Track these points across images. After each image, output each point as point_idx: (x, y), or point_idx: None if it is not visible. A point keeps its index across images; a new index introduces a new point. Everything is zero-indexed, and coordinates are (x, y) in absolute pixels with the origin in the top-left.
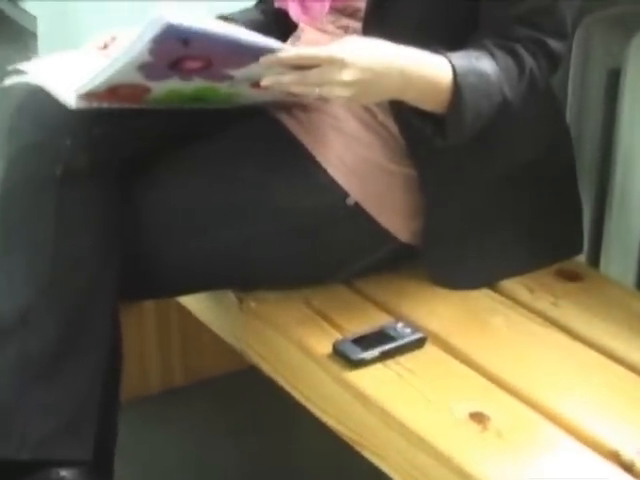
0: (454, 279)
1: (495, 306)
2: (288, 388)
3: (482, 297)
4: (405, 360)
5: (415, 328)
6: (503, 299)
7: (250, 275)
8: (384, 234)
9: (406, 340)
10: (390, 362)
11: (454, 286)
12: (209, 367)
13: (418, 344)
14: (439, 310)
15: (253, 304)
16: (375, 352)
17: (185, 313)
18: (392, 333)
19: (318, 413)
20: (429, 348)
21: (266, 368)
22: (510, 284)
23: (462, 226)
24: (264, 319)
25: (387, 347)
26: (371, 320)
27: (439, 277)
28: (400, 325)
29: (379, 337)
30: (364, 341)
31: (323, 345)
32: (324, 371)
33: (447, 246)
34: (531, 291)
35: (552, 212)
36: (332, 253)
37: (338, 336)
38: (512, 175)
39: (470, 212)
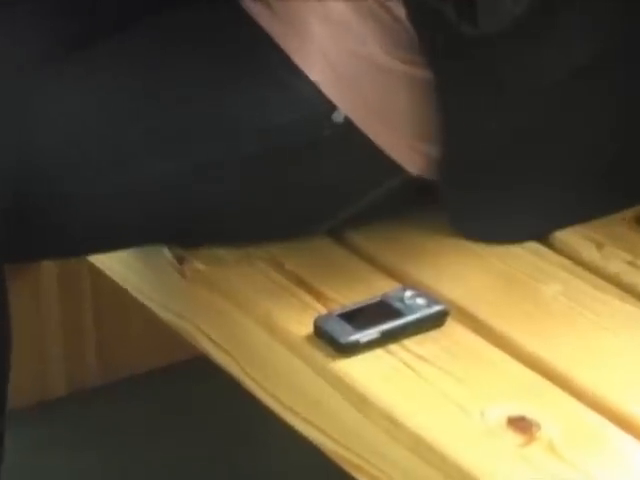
0: (487, 229)
1: (547, 268)
2: (251, 385)
3: (528, 256)
4: (417, 344)
5: (431, 298)
6: (559, 258)
7: (195, 224)
8: (385, 163)
9: (418, 315)
10: (395, 347)
11: (487, 239)
12: (137, 357)
13: (436, 321)
14: (465, 274)
15: (200, 267)
16: (373, 332)
17: (101, 280)
18: (398, 306)
19: (293, 420)
20: (451, 327)
21: (219, 357)
22: (568, 237)
23: (498, 153)
24: (216, 288)
25: (391, 325)
26: (368, 287)
27: (465, 227)
28: (409, 294)
29: (379, 311)
30: (358, 317)
31: (300, 323)
32: (301, 360)
33: (476, 182)
34: (599, 247)
35: (629, 137)
36: (313, 192)
37: (322, 310)
38: (571, 83)
39: (511, 134)
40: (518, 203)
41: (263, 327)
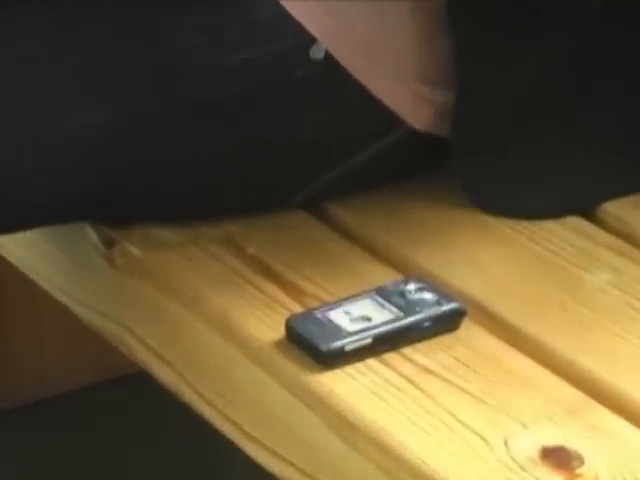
0: (513, 201)
1: (593, 251)
2: (203, 407)
3: (568, 235)
4: (422, 353)
5: (442, 293)
6: (609, 238)
7: (127, 194)
8: (379, 114)
9: (425, 315)
10: (393, 357)
11: (513, 214)
12: (51, 374)
13: (448, 323)
14: (486, 260)
15: (134, 251)
16: (364, 337)
17: (5, 271)
18: (397, 302)
19: (259, 452)
20: (468, 330)
21: (159, 371)
22: (621, 210)
23: (528, 100)
24: (155, 280)
25: (388, 328)
26: (357, 278)
27: (484, 198)
28: (413, 287)
29: (372, 310)
30: (344, 317)
31: (268, 326)
32: (269, 374)
33: (499, 138)
34: None
35: None
36: (282, 151)
37: (296, 308)
38: (610, 12)
39: (545, 78)
40: (553, 166)
41: (218, 331)
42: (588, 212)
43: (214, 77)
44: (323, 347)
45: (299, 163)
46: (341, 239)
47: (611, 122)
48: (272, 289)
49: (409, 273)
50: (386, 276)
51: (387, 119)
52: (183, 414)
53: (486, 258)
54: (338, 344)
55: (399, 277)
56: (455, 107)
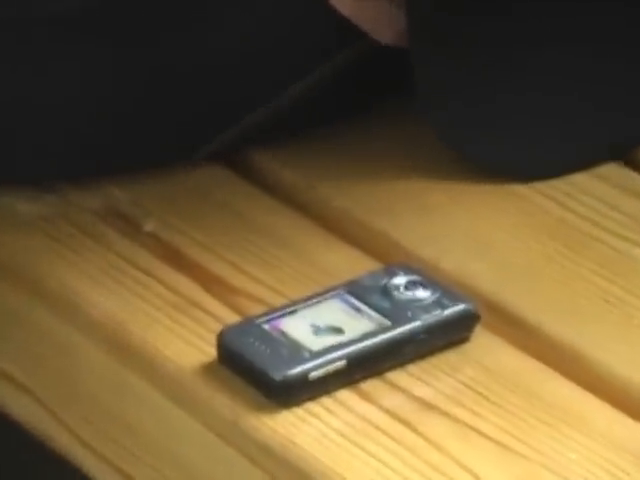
0: (515, 151)
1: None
2: (93, 466)
3: (605, 191)
4: (419, 379)
5: (444, 287)
6: None
7: None
8: (328, 20)
9: (421, 323)
10: (376, 386)
11: (518, 173)
12: None
13: (455, 332)
14: (495, 236)
15: None
16: (336, 358)
17: None
18: (380, 303)
19: None
20: (482, 341)
21: (19, 405)
22: None
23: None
24: (8, 275)
25: (367, 343)
26: (313, 264)
27: (474, 151)
28: (402, 279)
29: (344, 315)
30: (304, 327)
31: (187, 342)
32: (191, 413)
33: (486, 47)
34: None
35: None
36: (194, 70)
37: (230, 316)
38: None
39: None
40: (569, 97)
41: (107, 349)
42: (628, 158)
43: None
44: (276, 375)
45: (213, 94)
46: (280, 205)
47: None
48: (186, 284)
49: (388, 258)
50: (355, 262)
51: (337, 28)
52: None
53: (495, 232)
54: (298, 370)
55: (375, 264)
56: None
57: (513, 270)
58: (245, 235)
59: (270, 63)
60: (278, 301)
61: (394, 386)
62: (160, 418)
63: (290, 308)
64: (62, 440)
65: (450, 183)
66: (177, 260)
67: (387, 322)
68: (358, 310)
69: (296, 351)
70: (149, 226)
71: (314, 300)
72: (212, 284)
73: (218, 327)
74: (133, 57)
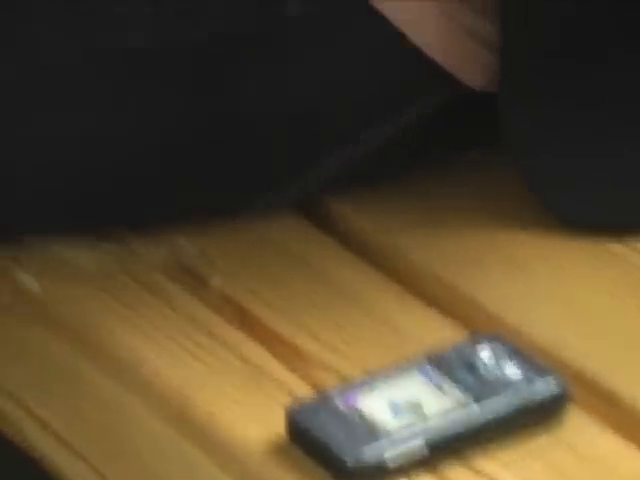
0: (621, 214)
1: None
2: None
3: None
4: (504, 463)
5: (532, 361)
6: None
7: (22, 194)
8: (413, 67)
9: (509, 401)
10: (458, 472)
11: (615, 224)
12: None
13: (544, 412)
14: (591, 301)
15: (31, 285)
16: (416, 441)
17: None
18: (464, 378)
19: None
20: (574, 421)
21: (68, 465)
22: None
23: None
24: (62, 331)
25: (450, 424)
26: (393, 330)
27: (565, 204)
28: (488, 353)
29: (424, 390)
30: (381, 404)
31: (254, 419)
32: None
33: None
34: None
35: None
36: (266, 121)
37: (300, 388)
38: None
39: None
40: None
41: (169, 422)
42: None
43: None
44: (349, 459)
45: (286, 141)
46: (356, 259)
47: None
48: (253, 349)
49: (469, 320)
50: (432, 323)
51: (423, 75)
52: None
53: (587, 293)
54: (374, 454)
55: (454, 327)
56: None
57: (608, 338)
58: (318, 293)
59: (349, 108)
60: (350, 369)
61: (477, 471)
62: None
63: (365, 382)
64: None
65: (538, 237)
66: (244, 321)
67: (470, 400)
68: (439, 386)
69: (372, 432)
70: (215, 281)
71: (392, 373)
72: (282, 349)
73: (288, 399)
74: (206, 103)
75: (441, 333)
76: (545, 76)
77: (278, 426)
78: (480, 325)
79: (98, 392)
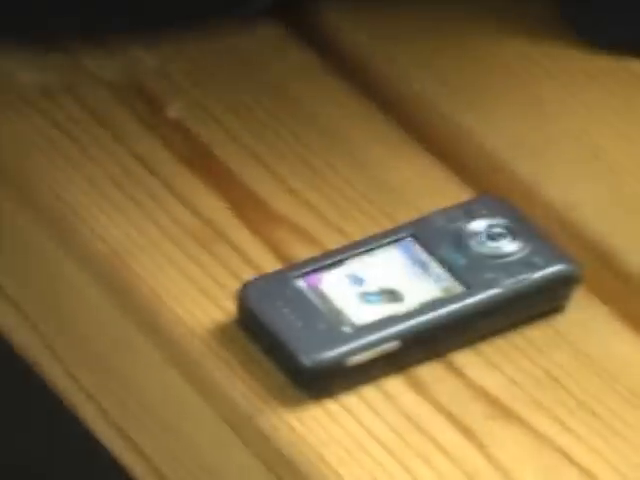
0: None
1: None
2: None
3: None
4: (494, 364)
5: (537, 234)
6: None
7: None
8: None
9: (504, 288)
10: (436, 371)
11: None
12: None
13: (549, 298)
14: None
15: None
16: (389, 337)
17: None
18: (453, 258)
19: None
20: (581, 312)
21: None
22: None
23: None
24: None
25: (431, 317)
26: (387, 183)
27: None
28: (484, 223)
29: (404, 273)
30: (349, 288)
31: (211, 298)
32: (200, 391)
33: None
34: None
35: None
36: None
37: (266, 257)
38: None
39: None
40: None
41: (106, 291)
42: None
43: None
44: (305, 358)
45: None
46: (346, 84)
47: None
48: (212, 203)
49: (473, 171)
50: (430, 172)
51: None
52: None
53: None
54: (335, 354)
55: (455, 178)
56: None
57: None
58: (298, 129)
59: None
60: (325, 235)
61: (459, 373)
62: (165, 386)
63: (335, 257)
64: (45, 362)
65: (558, 62)
66: (202, 162)
67: (461, 287)
68: (423, 266)
69: (336, 324)
70: (173, 108)
71: (368, 247)
72: (244, 203)
73: (245, 271)
74: None
75: (438, 185)
76: None
77: (229, 305)
78: (487, 180)
79: (42, 251)
